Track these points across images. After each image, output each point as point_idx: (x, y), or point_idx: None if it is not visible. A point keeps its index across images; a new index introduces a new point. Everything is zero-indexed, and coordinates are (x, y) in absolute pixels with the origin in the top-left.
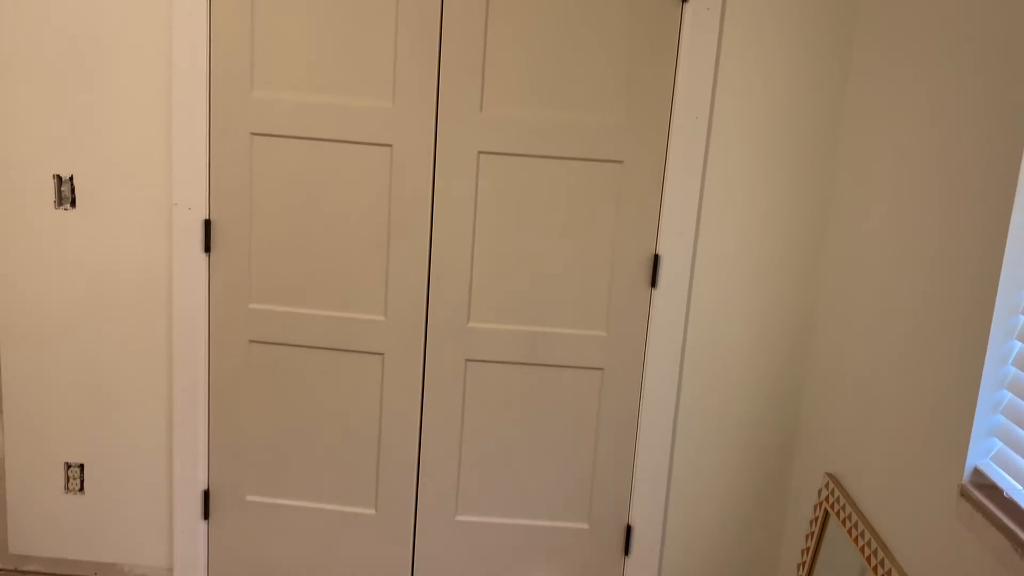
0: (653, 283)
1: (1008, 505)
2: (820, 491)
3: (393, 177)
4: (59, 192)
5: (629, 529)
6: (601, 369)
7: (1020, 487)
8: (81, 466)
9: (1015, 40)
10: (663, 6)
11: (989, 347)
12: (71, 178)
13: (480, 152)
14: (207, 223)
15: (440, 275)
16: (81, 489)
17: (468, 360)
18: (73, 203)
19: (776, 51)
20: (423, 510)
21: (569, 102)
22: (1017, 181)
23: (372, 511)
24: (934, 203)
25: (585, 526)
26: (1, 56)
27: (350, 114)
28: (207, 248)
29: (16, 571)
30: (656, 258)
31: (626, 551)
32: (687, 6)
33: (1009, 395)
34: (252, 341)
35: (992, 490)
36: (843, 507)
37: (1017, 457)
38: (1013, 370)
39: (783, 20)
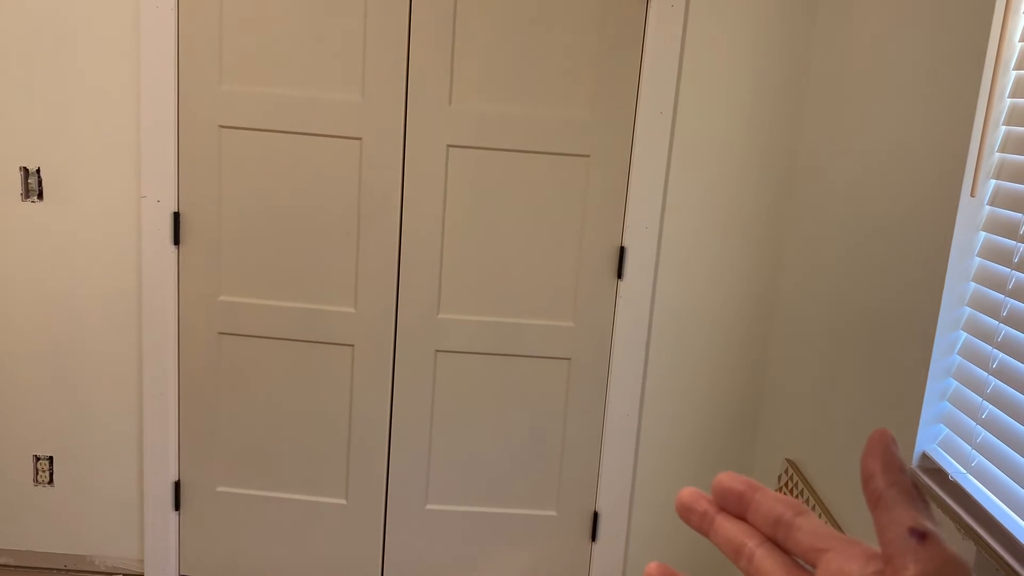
0: (619, 275)
1: (954, 488)
2: (780, 476)
3: (363, 170)
4: (26, 184)
5: (596, 516)
6: (569, 359)
7: (964, 471)
8: (50, 458)
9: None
10: (628, 3)
11: (936, 337)
12: (38, 170)
13: (449, 145)
14: (176, 216)
15: (410, 267)
16: (51, 481)
17: (438, 351)
18: (40, 195)
19: (740, 47)
20: (393, 499)
21: (537, 97)
22: (961, 187)
23: (343, 501)
24: (889, 203)
25: (553, 513)
26: None
27: (320, 107)
28: (176, 241)
29: None
30: (622, 250)
31: (593, 537)
32: (652, 3)
33: (955, 383)
34: (222, 333)
35: (939, 474)
36: (801, 492)
37: (962, 443)
38: (958, 359)
39: (746, 16)
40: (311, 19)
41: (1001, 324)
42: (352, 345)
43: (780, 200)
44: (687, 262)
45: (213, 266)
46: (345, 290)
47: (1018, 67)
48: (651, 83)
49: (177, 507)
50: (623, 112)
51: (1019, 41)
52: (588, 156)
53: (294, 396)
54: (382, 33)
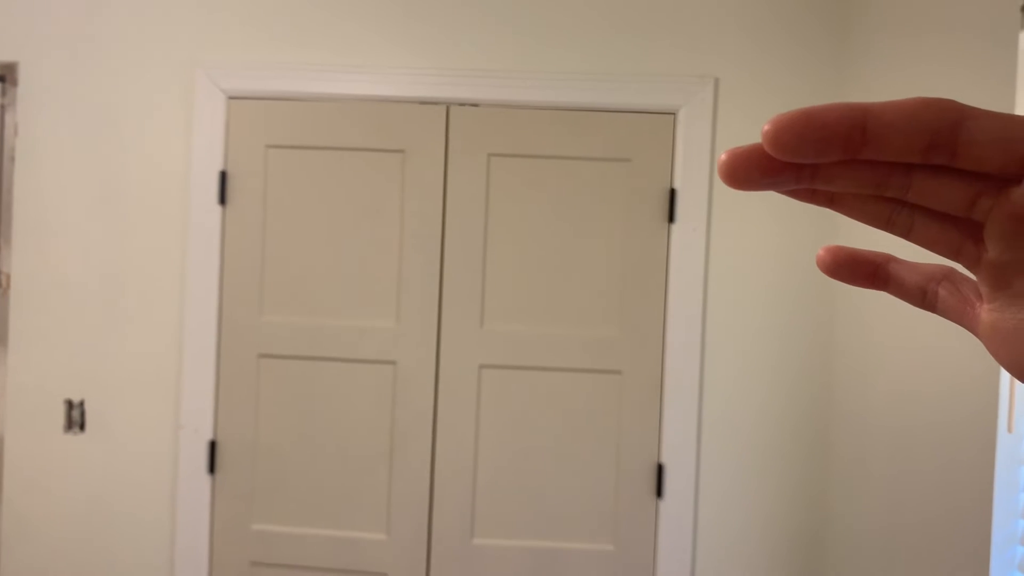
0: (659, 493)
1: None
2: None
3: (397, 392)
4: (69, 416)
5: None
6: None
7: None
8: None
9: None
10: (651, 227)
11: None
12: (82, 402)
13: (481, 365)
14: (212, 444)
15: (444, 490)
16: None
17: None
18: (83, 427)
19: (762, 263)
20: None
21: (566, 315)
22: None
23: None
24: (934, 438)
25: None
26: (18, 284)
27: (355, 334)
28: (211, 469)
29: None
30: (660, 467)
31: None
32: (674, 227)
33: None
34: (254, 563)
35: None
36: None
37: None
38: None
39: (766, 235)
40: (347, 252)
41: None
42: (385, 574)
43: (818, 414)
44: (728, 478)
45: (247, 494)
46: (377, 516)
47: None
48: (678, 297)
49: None
50: (652, 327)
51: None
52: (620, 372)
53: None
54: (416, 266)
